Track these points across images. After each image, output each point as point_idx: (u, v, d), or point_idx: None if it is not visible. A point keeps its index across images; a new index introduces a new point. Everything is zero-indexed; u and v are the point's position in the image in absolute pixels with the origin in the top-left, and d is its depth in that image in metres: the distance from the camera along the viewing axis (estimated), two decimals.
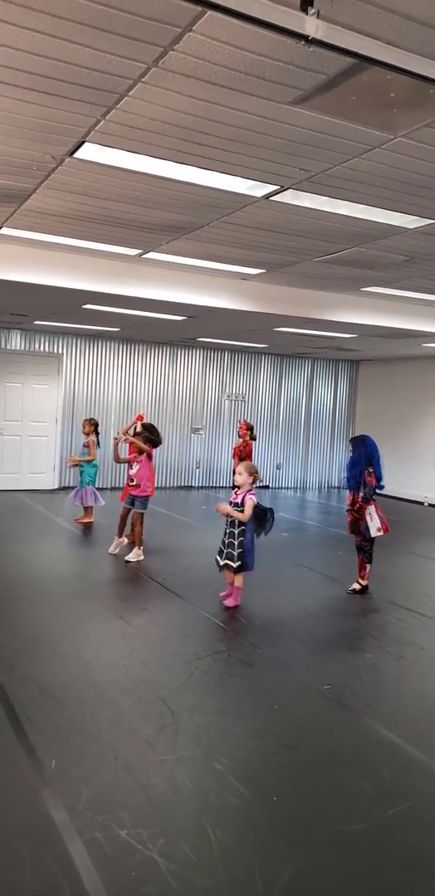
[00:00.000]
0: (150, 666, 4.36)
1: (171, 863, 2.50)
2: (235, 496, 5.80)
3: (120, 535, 7.54)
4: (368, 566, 6.43)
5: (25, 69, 3.05)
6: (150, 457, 7.44)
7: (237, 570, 5.65)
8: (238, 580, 5.71)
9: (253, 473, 5.80)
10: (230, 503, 5.77)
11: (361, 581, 6.45)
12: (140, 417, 7.98)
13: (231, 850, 2.62)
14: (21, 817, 2.73)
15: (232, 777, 3.10)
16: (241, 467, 5.86)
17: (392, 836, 2.80)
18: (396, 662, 4.72)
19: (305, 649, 4.91)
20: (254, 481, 5.79)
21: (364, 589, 6.42)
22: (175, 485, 13.31)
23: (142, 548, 7.25)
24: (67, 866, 2.45)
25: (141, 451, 7.31)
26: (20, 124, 3.70)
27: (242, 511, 5.61)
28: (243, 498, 5.68)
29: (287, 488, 14.43)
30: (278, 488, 14.31)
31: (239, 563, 5.62)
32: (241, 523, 5.62)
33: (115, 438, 7.83)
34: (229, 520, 5.71)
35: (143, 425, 7.78)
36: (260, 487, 14.07)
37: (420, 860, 2.67)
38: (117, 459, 7.84)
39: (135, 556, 7.16)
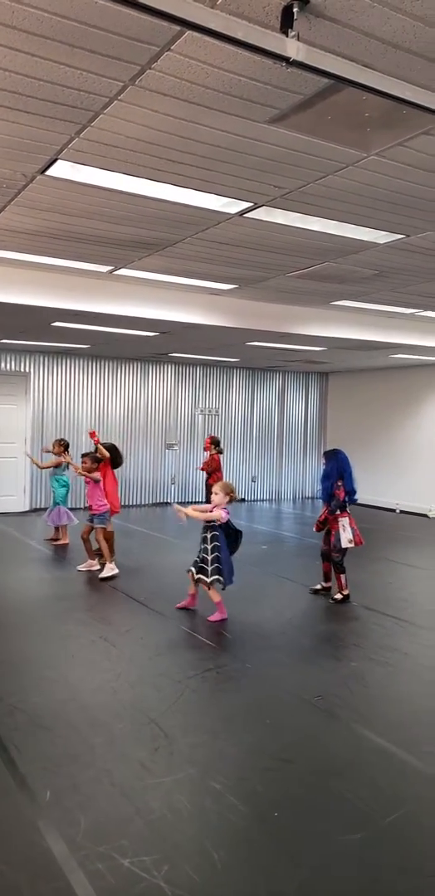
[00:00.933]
0: (138, 687, 4.30)
1: (177, 888, 2.46)
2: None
3: (91, 556, 7.59)
4: (343, 576, 6.51)
5: None
6: (97, 480, 7.40)
7: (212, 584, 5.70)
8: (215, 596, 5.72)
9: (229, 493, 5.86)
10: (205, 523, 5.81)
11: (342, 592, 6.51)
12: (92, 434, 7.92)
13: (235, 870, 2.60)
14: (18, 851, 2.65)
15: (230, 795, 3.08)
16: (217, 487, 5.93)
17: (393, 844, 2.80)
18: (382, 669, 4.75)
19: (292, 661, 4.92)
20: (230, 500, 5.85)
21: (345, 598, 6.48)
22: (151, 501, 13.24)
23: (114, 561, 7.21)
24: None
25: (90, 471, 7.35)
26: None
27: (212, 523, 5.70)
28: (213, 508, 5.78)
29: (262, 500, 14.49)
30: (254, 501, 14.35)
31: (215, 576, 5.67)
32: (214, 539, 5.69)
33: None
34: (202, 535, 5.78)
35: (104, 445, 7.80)
36: (236, 501, 14.10)
37: (422, 866, 2.68)
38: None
39: (108, 571, 7.12)
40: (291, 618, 6.06)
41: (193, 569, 5.81)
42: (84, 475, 7.43)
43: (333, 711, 4.04)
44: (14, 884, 2.47)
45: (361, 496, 13.85)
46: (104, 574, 7.09)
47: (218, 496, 5.80)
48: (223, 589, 5.80)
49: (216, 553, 5.69)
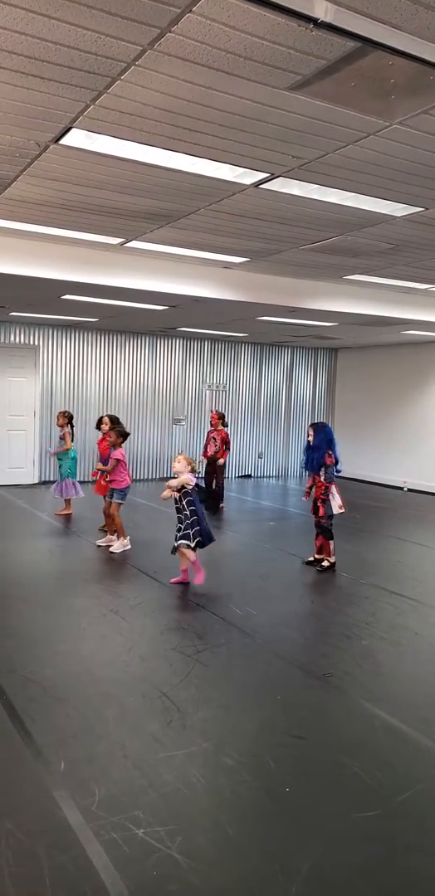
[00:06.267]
0: (150, 661, 4.31)
1: (191, 860, 2.48)
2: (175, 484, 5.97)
3: (110, 531, 7.58)
4: (332, 542, 6.79)
5: (13, 50, 2.94)
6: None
7: (196, 547, 5.83)
8: (191, 554, 5.83)
9: (190, 463, 6.01)
10: (179, 493, 5.93)
11: (329, 559, 6.75)
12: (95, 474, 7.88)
13: (249, 844, 2.61)
14: (35, 821, 2.68)
15: (243, 771, 3.09)
16: (180, 457, 6.05)
17: (406, 822, 2.82)
18: (392, 648, 4.76)
19: (302, 638, 4.93)
20: (192, 471, 5.97)
21: (332, 565, 6.71)
22: (158, 476, 13.24)
23: (128, 537, 7.25)
24: (87, 869, 2.41)
25: (115, 446, 7.36)
26: (4, 109, 3.58)
27: (184, 489, 5.85)
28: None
29: (269, 477, 14.47)
30: (260, 477, 14.34)
31: (197, 538, 5.82)
32: (190, 503, 5.84)
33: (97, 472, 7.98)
34: (177, 506, 5.94)
35: (110, 417, 7.84)
36: (243, 476, 14.09)
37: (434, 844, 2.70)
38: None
39: (120, 546, 7.14)
40: (301, 594, 6.07)
41: (177, 542, 5.90)
42: (103, 469, 7.55)
43: (345, 689, 4.05)
44: (32, 852, 2.49)
45: (369, 473, 13.86)
46: (115, 549, 7.12)
47: (180, 464, 5.92)
48: (202, 547, 5.91)
49: (194, 516, 5.83)
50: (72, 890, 2.33)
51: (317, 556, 6.94)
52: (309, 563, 6.96)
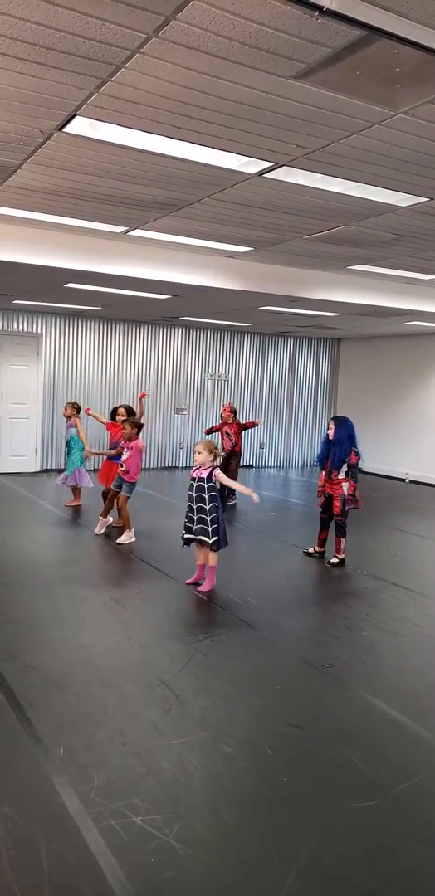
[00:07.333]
0: (150, 649, 4.34)
1: (188, 847, 2.50)
2: (198, 472, 5.59)
3: (105, 515, 7.57)
4: (344, 540, 6.66)
5: (17, 37, 2.92)
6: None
7: (212, 547, 5.51)
8: (213, 559, 5.57)
9: (213, 451, 5.66)
10: (193, 479, 5.60)
11: (338, 555, 6.66)
12: (143, 395, 8.00)
13: (247, 833, 2.64)
14: (34, 806, 2.70)
15: (241, 759, 3.11)
16: (201, 445, 5.65)
17: (404, 812, 2.83)
18: (393, 640, 4.77)
19: (302, 628, 4.94)
20: (214, 458, 5.66)
21: (341, 562, 6.63)
22: (159, 466, 13.26)
23: (133, 529, 7.26)
24: (85, 855, 2.43)
25: (130, 439, 7.30)
26: (9, 97, 3.57)
27: (211, 483, 5.53)
28: (211, 473, 5.55)
29: (270, 467, 14.48)
30: (262, 467, 14.35)
31: (215, 538, 5.47)
32: (212, 500, 5.50)
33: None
34: (196, 495, 5.55)
35: (126, 408, 7.86)
36: (244, 466, 14.09)
37: (433, 836, 2.71)
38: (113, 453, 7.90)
39: (126, 538, 7.17)
40: (301, 585, 6.09)
41: (191, 534, 5.57)
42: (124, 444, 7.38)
43: (344, 680, 4.07)
44: (30, 837, 2.52)
45: (370, 464, 13.87)
46: (122, 540, 7.14)
47: (202, 455, 5.54)
48: (216, 551, 5.60)
49: (215, 514, 5.48)
50: (69, 875, 2.35)
51: (318, 549, 6.92)
52: (309, 554, 6.97)
